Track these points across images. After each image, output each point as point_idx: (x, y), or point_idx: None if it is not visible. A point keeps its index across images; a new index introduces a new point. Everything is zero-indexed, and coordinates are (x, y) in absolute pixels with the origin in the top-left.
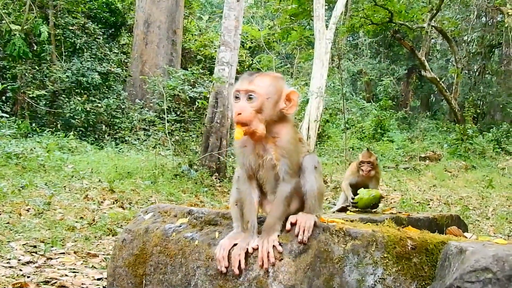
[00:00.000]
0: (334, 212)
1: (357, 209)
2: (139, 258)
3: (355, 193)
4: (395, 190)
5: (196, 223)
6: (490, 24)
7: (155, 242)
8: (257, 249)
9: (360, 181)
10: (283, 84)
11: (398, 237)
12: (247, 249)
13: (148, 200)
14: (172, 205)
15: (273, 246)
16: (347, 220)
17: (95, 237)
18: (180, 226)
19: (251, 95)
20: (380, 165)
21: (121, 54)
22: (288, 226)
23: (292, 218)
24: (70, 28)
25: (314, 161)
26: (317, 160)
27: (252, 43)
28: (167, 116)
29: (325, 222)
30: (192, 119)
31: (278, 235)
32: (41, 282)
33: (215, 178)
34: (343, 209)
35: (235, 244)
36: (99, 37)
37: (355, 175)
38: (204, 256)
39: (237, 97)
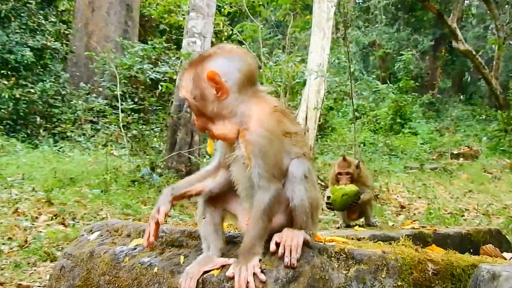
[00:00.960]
0: (338, 228)
1: (332, 210)
2: None
3: None
4: (419, 198)
5: (155, 244)
6: None
7: (102, 270)
8: (233, 278)
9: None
10: (202, 68)
11: (415, 259)
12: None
13: (98, 215)
14: (124, 222)
15: (254, 273)
16: (353, 239)
17: (28, 263)
18: (135, 248)
19: (186, 103)
20: (400, 164)
21: (60, 23)
22: (272, 247)
23: (277, 237)
24: None
25: (303, 168)
26: (307, 166)
27: (231, 7)
28: (122, 105)
29: (321, 241)
30: (154, 107)
31: (260, 260)
32: None
33: None
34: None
35: (205, 272)
36: (30, 1)
37: (335, 181)
38: (166, 287)
39: None
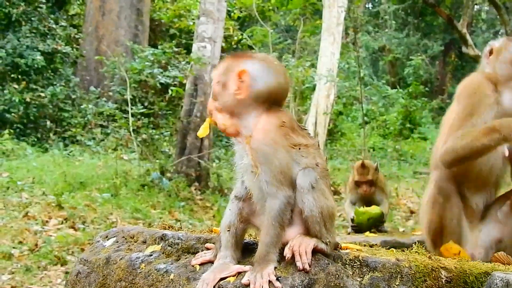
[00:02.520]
0: (349, 233)
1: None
2: None
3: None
4: None
5: (171, 251)
6: None
7: (118, 276)
8: (249, 285)
9: (361, 197)
10: (239, 63)
11: (429, 267)
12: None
13: (107, 219)
14: (140, 228)
15: (269, 281)
16: (365, 245)
17: (39, 267)
18: (151, 255)
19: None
20: (409, 169)
21: (71, 27)
22: (287, 254)
23: (289, 244)
24: None
25: (310, 178)
26: (314, 176)
27: (241, 12)
28: (132, 109)
29: (338, 250)
30: (163, 112)
31: (276, 267)
32: None
33: (195, 189)
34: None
35: (221, 279)
36: (41, 5)
37: (354, 193)
38: None
39: None
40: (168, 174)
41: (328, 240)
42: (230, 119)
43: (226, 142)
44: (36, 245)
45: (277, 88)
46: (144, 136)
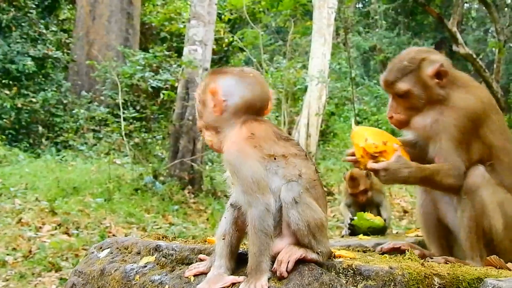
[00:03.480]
0: (343, 237)
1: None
2: None
3: (358, 211)
4: None
5: (165, 262)
6: None
7: None
8: None
9: (355, 199)
10: (212, 80)
11: (422, 274)
12: None
13: (101, 224)
14: (134, 239)
15: None
16: (358, 250)
17: (33, 274)
18: (145, 266)
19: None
20: None
21: (61, 32)
22: (275, 267)
23: (279, 255)
24: None
25: (293, 193)
26: (297, 191)
27: (232, 14)
28: (124, 113)
29: (331, 259)
30: (156, 115)
31: (269, 278)
32: None
33: (188, 193)
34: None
35: None
36: (31, 11)
37: (349, 197)
38: None
39: None
40: (161, 178)
41: (319, 250)
42: (216, 135)
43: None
44: (30, 251)
45: (252, 99)
46: (136, 140)
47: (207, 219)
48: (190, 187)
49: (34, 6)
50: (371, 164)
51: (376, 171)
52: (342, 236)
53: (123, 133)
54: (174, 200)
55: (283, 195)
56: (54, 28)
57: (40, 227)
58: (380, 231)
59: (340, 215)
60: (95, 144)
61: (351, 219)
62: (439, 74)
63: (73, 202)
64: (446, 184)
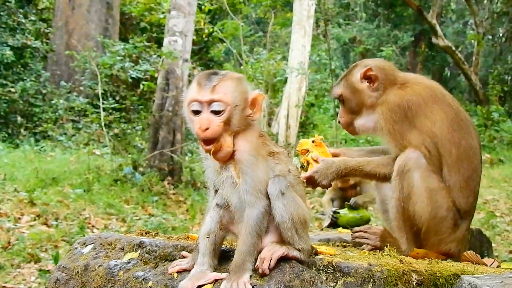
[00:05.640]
0: (322, 229)
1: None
2: None
3: (343, 206)
4: None
5: (149, 258)
6: None
7: (97, 284)
8: None
9: (344, 194)
10: (247, 86)
11: (400, 271)
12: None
13: (80, 215)
14: (117, 235)
15: None
16: (338, 245)
17: (12, 265)
18: (129, 262)
19: (216, 105)
20: None
21: (40, 22)
22: (258, 264)
23: (262, 253)
24: None
25: (280, 185)
26: (284, 184)
27: (212, 5)
28: (103, 103)
29: (312, 256)
30: (135, 106)
31: (251, 276)
32: None
33: (168, 184)
34: (334, 224)
35: (199, 287)
36: (10, 0)
37: (337, 191)
38: None
39: (196, 111)
40: (141, 169)
41: (301, 247)
42: (232, 141)
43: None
44: (9, 242)
45: None
46: (116, 130)
47: (187, 210)
48: (169, 178)
49: None
50: (303, 175)
51: (310, 178)
52: (322, 229)
53: (102, 124)
54: (154, 191)
55: (270, 188)
56: (33, 18)
57: (19, 218)
58: (362, 224)
59: (320, 207)
60: (74, 135)
61: (335, 212)
62: (369, 78)
63: (52, 193)
64: (382, 174)
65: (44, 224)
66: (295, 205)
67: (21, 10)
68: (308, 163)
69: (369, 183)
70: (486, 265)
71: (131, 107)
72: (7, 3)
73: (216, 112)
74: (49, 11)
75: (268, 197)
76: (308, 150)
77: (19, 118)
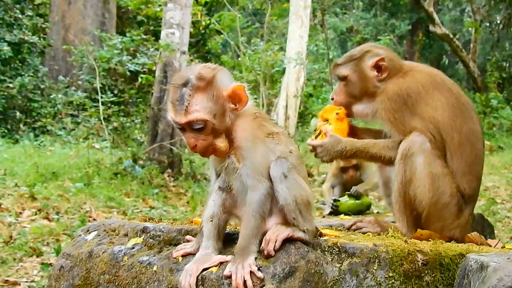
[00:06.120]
0: (324, 217)
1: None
2: None
3: (343, 193)
4: None
5: (153, 243)
6: None
7: (102, 269)
8: (230, 277)
9: (345, 181)
10: (220, 85)
11: (405, 251)
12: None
13: (81, 208)
14: (121, 221)
15: (250, 271)
16: (341, 230)
17: (14, 259)
18: (133, 247)
19: (195, 125)
20: None
21: (37, 17)
22: (263, 246)
23: (267, 235)
24: None
25: (282, 168)
26: (286, 166)
27: None
28: (102, 97)
29: (317, 237)
30: (134, 99)
31: (256, 258)
32: None
33: (168, 176)
34: (335, 212)
35: (204, 269)
36: None
37: (338, 177)
38: (166, 285)
39: (181, 129)
40: (141, 162)
41: (305, 228)
42: (226, 137)
43: None
44: (11, 237)
45: None
46: (115, 124)
47: (187, 202)
48: (169, 170)
49: None
50: (309, 141)
51: (313, 148)
52: (323, 217)
53: (101, 118)
54: (154, 183)
55: (272, 170)
56: (29, 13)
57: (20, 213)
58: (362, 210)
59: (320, 196)
60: (74, 129)
61: (335, 200)
62: (379, 67)
63: (52, 187)
64: (387, 157)
65: (45, 218)
66: (298, 187)
67: (17, 6)
68: (320, 132)
69: (370, 168)
70: (490, 245)
71: (130, 101)
72: None
73: (198, 129)
74: (46, 6)
75: (270, 179)
76: (327, 120)
77: (18, 114)
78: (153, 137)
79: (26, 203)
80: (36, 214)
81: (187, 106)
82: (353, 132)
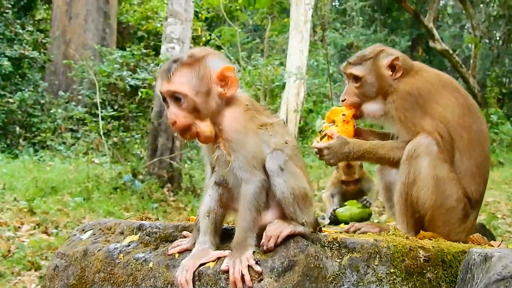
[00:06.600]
0: (324, 226)
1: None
2: None
3: (342, 204)
4: None
5: (149, 240)
6: None
7: (97, 268)
8: (228, 271)
9: (345, 190)
10: (209, 65)
11: (407, 247)
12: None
13: (80, 223)
14: (117, 220)
15: (248, 266)
16: (341, 232)
17: (12, 273)
18: (129, 245)
19: (176, 96)
20: None
21: (38, 32)
22: (263, 241)
23: (267, 229)
24: None
25: (278, 161)
26: (283, 159)
27: (209, 12)
28: (102, 112)
29: (317, 232)
30: (134, 114)
31: (254, 252)
32: None
33: (168, 191)
34: (335, 222)
35: (201, 265)
36: (7, 11)
37: (337, 186)
38: (162, 281)
39: (165, 100)
40: (140, 176)
41: (304, 220)
42: (212, 123)
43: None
44: (9, 251)
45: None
46: (115, 139)
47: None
48: (169, 185)
49: (10, 6)
50: (314, 143)
51: (319, 150)
52: (323, 226)
53: (101, 132)
54: (154, 198)
55: (268, 164)
56: (30, 28)
57: (19, 227)
58: (364, 219)
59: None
60: (73, 144)
61: (334, 210)
62: (393, 67)
63: (51, 201)
64: (395, 158)
65: (44, 232)
66: (295, 180)
67: (18, 21)
68: (325, 135)
69: (371, 181)
70: (492, 246)
71: (130, 115)
72: (5, 14)
73: (178, 104)
74: (46, 21)
75: (264, 172)
76: (334, 121)
77: (17, 129)
78: (153, 152)
79: (25, 217)
80: (35, 228)
81: (170, 76)
82: (358, 134)
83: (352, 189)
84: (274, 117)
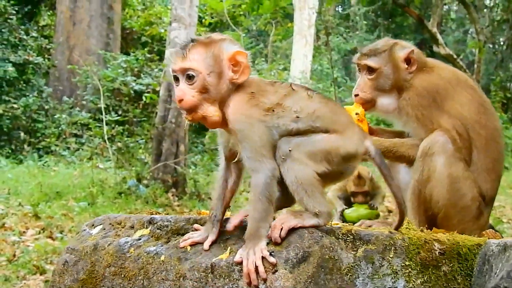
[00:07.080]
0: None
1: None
2: (87, 284)
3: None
4: None
5: (160, 234)
6: None
7: (107, 262)
8: (241, 263)
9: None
10: (224, 47)
11: (422, 239)
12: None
13: None
14: (127, 215)
15: (262, 257)
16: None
17: (18, 277)
18: (140, 239)
19: (189, 74)
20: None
21: (42, 38)
22: (268, 233)
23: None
24: None
25: (288, 144)
26: (294, 142)
27: (212, 18)
28: (106, 117)
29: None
30: (138, 119)
31: (268, 243)
32: None
33: (172, 195)
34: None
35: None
36: (11, 17)
37: (343, 191)
38: (174, 274)
39: (176, 78)
40: (145, 181)
41: (317, 210)
42: (219, 108)
43: (202, 147)
44: (14, 255)
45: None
46: (119, 144)
47: None
48: (173, 190)
49: (14, 12)
50: None
51: None
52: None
53: (105, 137)
54: (158, 203)
55: (278, 149)
56: (34, 34)
57: (24, 232)
58: (372, 219)
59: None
60: (78, 149)
61: (343, 210)
62: (409, 60)
63: (56, 206)
64: (416, 156)
65: (49, 237)
66: (303, 166)
67: (22, 27)
68: None
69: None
70: None
71: (134, 120)
72: (9, 20)
73: (189, 80)
74: (50, 27)
75: (274, 159)
76: None
77: (22, 134)
78: (157, 157)
79: (30, 222)
80: (39, 233)
81: (186, 54)
82: (371, 133)
83: (359, 201)
84: (281, 88)
